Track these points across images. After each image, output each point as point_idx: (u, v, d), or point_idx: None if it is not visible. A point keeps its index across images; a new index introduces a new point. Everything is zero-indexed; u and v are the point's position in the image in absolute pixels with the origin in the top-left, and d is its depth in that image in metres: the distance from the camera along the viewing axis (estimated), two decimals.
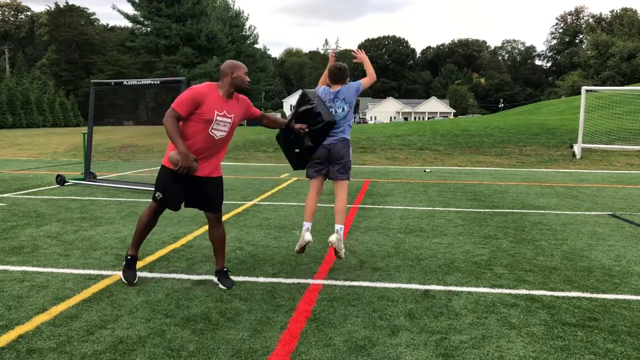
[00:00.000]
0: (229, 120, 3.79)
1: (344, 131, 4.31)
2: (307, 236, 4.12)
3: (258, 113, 4.11)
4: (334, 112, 4.23)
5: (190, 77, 45.87)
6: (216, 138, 3.76)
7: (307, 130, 4.14)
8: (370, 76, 4.41)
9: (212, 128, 3.70)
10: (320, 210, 7.14)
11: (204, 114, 3.64)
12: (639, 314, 3.44)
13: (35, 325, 3.13)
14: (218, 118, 3.70)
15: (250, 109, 4.02)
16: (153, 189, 3.92)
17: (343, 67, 4.33)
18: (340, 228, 4.14)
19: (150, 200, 3.97)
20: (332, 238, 4.07)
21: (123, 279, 3.92)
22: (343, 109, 4.27)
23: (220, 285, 3.90)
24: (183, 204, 3.94)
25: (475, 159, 16.62)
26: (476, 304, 3.60)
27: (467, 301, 3.65)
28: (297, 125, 4.18)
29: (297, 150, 4.24)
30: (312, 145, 4.18)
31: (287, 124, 4.23)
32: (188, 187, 3.82)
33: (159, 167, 3.90)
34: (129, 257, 3.98)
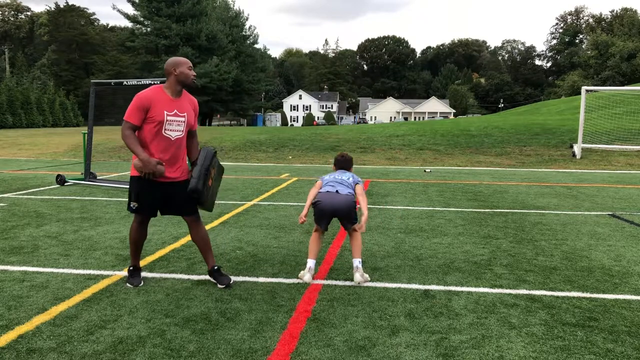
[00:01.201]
0: (182, 118, 3.78)
1: (351, 190, 4.19)
2: (307, 277, 4.02)
3: (194, 128, 3.95)
4: (339, 178, 4.21)
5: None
6: (172, 139, 3.76)
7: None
8: (363, 200, 4.29)
9: (165, 129, 3.71)
10: None
11: (154, 116, 3.66)
12: (639, 314, 3.44)
13: (35, 325, 3.13)
14: (169, 118, 3.70)
15: (195, 117, 3.92)
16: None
17: (348, 157, 4.50)
18: (359, 262, 4.06)
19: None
20: (357, 278, 3.99)
21: (128, 284, 3.92)
22: (349, 179, 4.23)
23: (218, 285, 3.89)
24: (159, 211, 3.93)
25: (475, 159, 16.62)
26: (476, 304, 3.60)
27: (467, 301, 3.65)
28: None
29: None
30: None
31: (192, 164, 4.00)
32: (160, 193, 3.81)
33: (130, 179, 3.90)
34: (131, 268, 3.99)
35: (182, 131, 3.81)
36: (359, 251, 4.11)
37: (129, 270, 4.00)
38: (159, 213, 3.97)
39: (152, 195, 3.81)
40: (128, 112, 3.65)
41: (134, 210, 3.86)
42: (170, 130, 3.74)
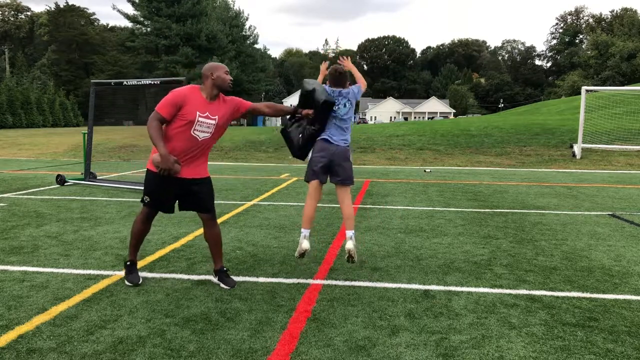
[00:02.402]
0: (213, 122, 3.79)
1: (346, 133, 4.28)
2: (305, 244, 4.10)
3: (248, 105, 4.07)
4: (337, 107, 4.22)
5: (190, 77, 45.86)
6: (199, 140, 3.77)
7: (312, 114, 4.14)
8: (363, 82, 4.47)
9: (195, 129, 3.72)
10: (320, 209, 7.14)
11: (186, 115, 3.67)
12: (639, 314, 3.44)
13: (35, 325, 3.13)
14: (200, 119, 3.72)
15: (241, 106, 4.00)
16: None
17: (344, 71, 4.34)
18: (353, 233, 4.12)
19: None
20: (350, 245, 4.04)
21: (127, 282, 3.92)
22: (345, 105, 4.26)
23: (222, 285, 3.90)
24: (177, 206, 3.96)
25: (475, 159, 16.62)
26: (476, 304, 3.60)
27: (467, 301, 3.65)
28: (305, 111, 4.19)
29: (300, 136, 4.24)
30: (317, 129, 4.18)
31: (293, 111, 4.28)
32: (176, 190, 3.84)
33: (146, 171, 3.91)
34: (128, 263, 3.99)
35: (211, 133, 3.82)
36: (351, 222, 4.16)
37: (126, 265, 3.99)
38: (176, 208, 4.00)
39: (166, 192, 3.83)
40: (161, 104, 3.67)
41: (146, 205, 3.88)
42: (199, 131, 3.75)
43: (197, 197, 3.89)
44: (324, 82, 4.52)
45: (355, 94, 4.34)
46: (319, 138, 4.24)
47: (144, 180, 3.92)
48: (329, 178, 4.29)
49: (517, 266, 4.55)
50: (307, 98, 4.15)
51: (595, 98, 21.45)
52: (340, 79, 4.30)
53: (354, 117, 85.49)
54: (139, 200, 3.97)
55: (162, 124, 3.68)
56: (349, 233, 4.13)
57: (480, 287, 3.96)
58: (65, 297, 3.62)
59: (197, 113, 3.71)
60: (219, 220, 6.34)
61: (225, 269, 3.99)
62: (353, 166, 4.39)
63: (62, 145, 21.43)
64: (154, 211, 3.94)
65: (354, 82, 4.52)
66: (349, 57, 4.59)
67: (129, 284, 3.89)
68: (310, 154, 4.35)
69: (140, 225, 3.95)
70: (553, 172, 14.07)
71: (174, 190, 3.83)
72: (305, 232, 4.17)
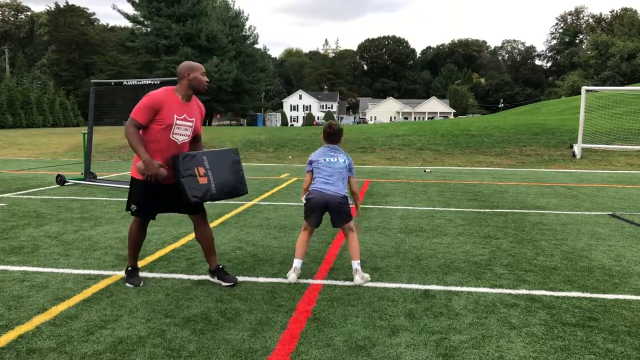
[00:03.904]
0: (190, 124, 3.75)
1: (342, 185, 4.11)
2: (292, 277, 4.00)
3: (199, 132, 3.91)
4: (337, 160, 4.13)
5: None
6: (179, 143, 3.72)
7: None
8: (356, 196, 4.36)
9: (173, 133, 3.66)
10: None
11: (163, 119, 3.60)
12: (639, 314, 3.44)
13: (35, 325, 3.13)
14: (178, 122, 3.66)
15: (199, 121, 3.87)
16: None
17: (337, 129, 4.25)
18: (358, 264, 4.02)
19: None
20: (357, 280, 3.97)
21: (128, 284, 3.90)
22: (344, 160, 4.15)
23: (224, 283, 3.89)
24: (166, 208, 3.90)
25: (475, 159, 16.62)
26: (476, 304, 3.60)
27: (467, 301, 3.65)
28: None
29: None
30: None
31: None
32: (162, 194, 3.79)
33: (130, 180, 3.85)
34: (129, 269, 3.97)
35: (189, 136, 3.78)
36: (356, 253, 4.06)
37: (127, 271, 3.98)
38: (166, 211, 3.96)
39: (153, 198, 3.79)
40: (136, 110, 3.58)
41: (134, 213, 3.84)
42: (178, 134, 3.70)
43: (183, 199, 3.80)
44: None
45: (351, 161, 4.23)
46: (312, 189, 4.11)
47: (130, 188, 3.86)
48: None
49: (517, 266, 4.55)
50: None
51: (595, 98, 21.45)
52: (334, 134, 4.21)
53: (355, 117, 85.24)
54: (125, 208, 3.92)
55: (139, 130, 3.61)
56: (354, 264, 4.02)
57: (480, 287, 3.96)
58: (65, 297, 3.62)
59: (175, 116, 3.64)
60: (219, 220, 6.36)
61: (221, 266, 3.99)
62: (353, 165, 4.35)
63: (62, 145, 21.43)
64: (146, 219, 3.91)
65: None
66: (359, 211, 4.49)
67: (130, 286, 3.88)
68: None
69: (136, 234, 3.91)
70: (553, 172, 14.07)
71: (161, 194, 3.78)
72: (297, 262, 4.07)
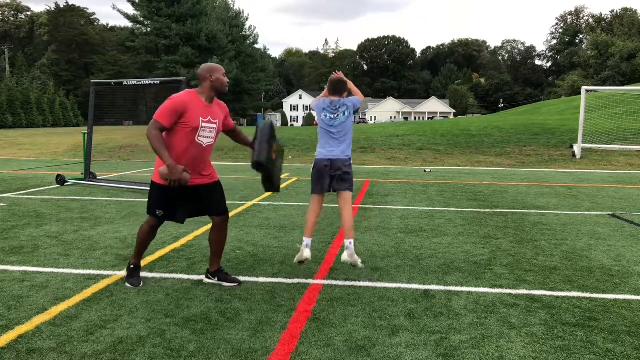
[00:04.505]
0: (215, 125, 3.72)
1: (342, 144, 4.18)
2: (307, 253, 4.07)
3: (232, 125, 3.98)
4: (337, 116, 4.18)
5: (190, 77, 45.83)
6: (204, 145, 3.68)
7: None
8: (360, 95, 4.47)
9: (199, 135, 3.62)
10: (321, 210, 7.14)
11: (188, 122, 3.54)
12: (639, 314, 3.44)
13: (35, 325, 3.13)
14: (203, 124, 3.61)
15: (228, 118, 3.92)
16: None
17: (343, 80, 4.33)
18: (351, 242, 4.07)
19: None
20: (345, 257, 4.04)
21: (128, 284, 3.88)
22: (344, 114, 4.20)
23: (226, 284, 3.88)
24: (188, 213, 3.89)
25: (475, 159, 16.62)
26: (476, 304, 3.60)
27: (467, 301, 3.65)
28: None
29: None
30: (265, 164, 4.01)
31: (252, 144, 4.01)
32: (187, 198, 3.74)
33: (151, 183, 3.79)
34: (132, 266, 3.93)
35: (213, 138, 3.74)
36: (350, 231, 4.08)
37: (129, 268, 3.94)
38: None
39: (177, 203, 3.73)
40: (160, 112, 3.50)
41: (160, 218, 3.77)
42: (203, 137, 3.64)
43: (211, 201, 3.82)
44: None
45: (354, 102, 4.31)
46: (316, 157, 4.22)
47: (150, 192, 3.79)
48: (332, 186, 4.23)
49: (517, 266, 4.55)
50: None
51: (595, 98, 21.45)
52: (338, 87, 4.28)
53: (355, 118, 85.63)
54: (147, 212, 3.83)
55: (162, 133, 3.53)
56: (346, 242, 4.07)
57: (480, 287, 3.96)
58: (65, 297, 3.62)
59: (200, 119, 3.59)
60: None
61: (222, 268, 3.99)
62: (353, 166, 4.37)
63: (62, 145, 21.43)
64: (162, 222, 3.85)
65: (350, 95, 4.50)
66: (340, 72, 4.53)
67: (129, 286, 3.87)
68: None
69: (147, 236, 3.87)
70: (553, 172, 14.07)
71: (186, 198, 3.73)
72: (306, 240, 4.13)
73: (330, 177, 4.15)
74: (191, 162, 3.65)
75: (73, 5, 68.96)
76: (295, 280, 4.07)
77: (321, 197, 4.25)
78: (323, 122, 4.23)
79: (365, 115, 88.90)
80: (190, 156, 3.64)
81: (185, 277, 4.14)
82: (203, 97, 3.67)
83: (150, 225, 3.84)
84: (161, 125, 3.50)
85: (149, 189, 3.84)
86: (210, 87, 3.68)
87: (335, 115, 4.19)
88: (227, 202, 4.05)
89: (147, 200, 3.83)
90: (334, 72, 4.50)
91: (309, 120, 72.25)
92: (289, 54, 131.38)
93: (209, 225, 6.01)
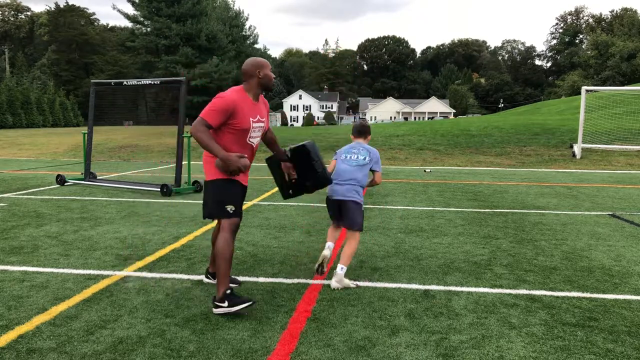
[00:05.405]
0: (262, 124, 3.52)
1: (357, 174, 4.15)
2: (326, 252, 4.06)
3: (268, 126, 3.76)
4: (354, 157, 4.23)
5: (190, 77, 45.86)
6: (254, 146, 3.52)
7: (292, 179, 3.93)
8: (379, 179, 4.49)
9: (250, 137, 3.43)
10: (322, 210, 7.14)
11: (239, 124, 3.33)
12: (639, 314, 3.44)
13: (35, 325, 3.13)
14: (253, 125, 3.42)
15: (267, 123, 3.68)
16: (206, 205, 3.53)
17: (367, 125, 4.53)
18: (341, 268, 3.90)
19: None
20: (333, 284, 3.88)
21: (238, 309, 3.28)
22: (365, 158, 4.22)
23: (232, 285, 3.82)
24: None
25: (475, 159, 16.62)
26: (476, 304, 3.60)
27: (467, 301, 3.65)
28: (288, 166, 3.87)
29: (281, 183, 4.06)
30: (294, 189, 4.05)
31: (279, 155, 3.89)
32: (242, 193, 3.52)
33: (207, 183, 3.44)
34: (228, 292, 3.32)
35: (260, 137, 3.59)
36: (347, 259, 3.96)
37: (227, 296, 3.30)
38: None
39: (240, 196, 3.48)
40: (207, 111, 3.26)
41: (232, 215, 3.39)
42: (253, 137, 3.47)
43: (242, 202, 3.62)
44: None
45: (376, 156, 4.30)
46: (328, 190, 4.24)
47: (214, 192, 3.40)
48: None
49: (517, 266, 4.55)
50: (303, 160, 3.91)
51: (595, 98, 21.45)
52: (363, 130, 4.45)
53: (355, 117, 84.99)
54: (213, 216, 3.51)
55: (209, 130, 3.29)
56: (339, 266, 3.93)
57: (480, 287, 3.96)
58: (65, 297, 3.62)
59: (250, 120, 3.38)
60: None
61: None
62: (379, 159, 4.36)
63: (62, 145, 21.43)
64: (239, 222, 3.49)
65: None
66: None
67: (245, 307, 3.29)
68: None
69: (230, 246, 3.37)
70: (553, 172, 14.07)
71: (242, 193, 3.52)
72: (329, 243, 4.15)
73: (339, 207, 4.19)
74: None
75: (73, 5, 68.98)
76: (295, 280, 4.07)
77: (335, 228, 4.31)
78: (340, 160, 4.27)
79: (365, 115, 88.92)
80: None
81: (185, 277, 4.14)
82: (250, 94, 3.45)
83: (228, 231, 3.39)
84: (208, 124, 3.25)
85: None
86: (258, 84, 3.45)
87: (355, 156, 4.24)
88: None
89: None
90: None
91: (309, 120, 72.25)
92: (289, 54, 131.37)
93: (209, 226, 6.04)
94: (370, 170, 4.26)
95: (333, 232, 4.27)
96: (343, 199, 4.07)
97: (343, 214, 4.12)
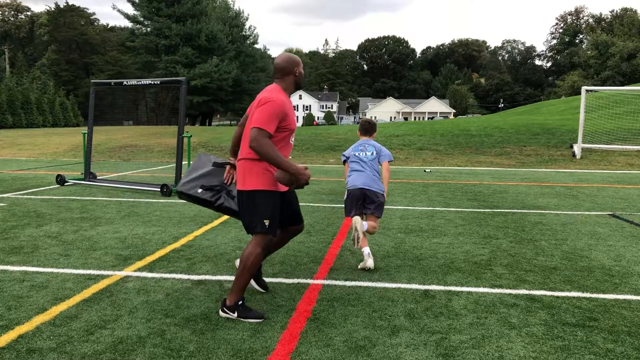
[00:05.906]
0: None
1: (373, 176, 4.49)
2: (370, 263, 4.35)
3: None
4: (363, 154, 4.56)
5: (190, 77, 45.85)
6: (292, 146, 3.41)
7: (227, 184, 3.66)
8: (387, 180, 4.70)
9: (292, 137, 3.34)
10: (322, 210, 7.14)
11: (288, 125, 3.21)
12: (639, 314, 3.44)
13: (35, 325, 3.13)
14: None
15: None
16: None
17: (373, 122, 4.81)
18: (368, 250, 4.42)
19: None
20: (370, 262, 4.34)
21: (251, 320, 3.23)
22: (372, 153, 4.56)
23: (263, 290, 3.78)
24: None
25: (475, 159, 16.62)
26: (476, 304, 3.60)
27: (467, 301, 3.65)
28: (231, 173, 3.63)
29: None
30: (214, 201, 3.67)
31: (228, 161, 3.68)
32: (281, 205, 3.38)
33: (249, 194, 3.21)
34: (240, 302, 3.26)
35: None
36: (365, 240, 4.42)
37: (239, 307, 3.25)
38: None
39: (279, 210, 3.32)
40: (264, 120, 3.06)
41: (266, 230, 3.22)
42: (294, 137, 3.36)
43: (292, 206, 3.54)
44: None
45: (381, 147, 4.63)
46: (348, 186, 4.51)
47: (255, 203, 3.21)
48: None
49: (517, 266, 4.55)
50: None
51: (595, 98, 21.46)
52: (369, 128, 4.71)
53: (355, 117, 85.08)
54: (250, 230, 3.30)
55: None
56: (365, 250, 4.39)
57: (480, 287, 3.96)
58: (65, 297, 3.62)
59: (295, 119, 3.33)
60: (219, 221, 6.36)
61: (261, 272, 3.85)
62: (385, 151, 4.65)
63: (62, 145, 21.42)
64: (271, 238, 3.34)
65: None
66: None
67: (258, 319, 3.24)
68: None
69: (259, 259, 3.26)
70: (553, 172, 14.07)
71: (281, 204, 3.39)
72: (365, 250, 4.39)
73: (363, 202, 4.48)
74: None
75: (73, 5, 68.92)
76: (295, 280, 4.07)
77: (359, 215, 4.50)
78: (353, 157, 4.62)
79: (365, 115, 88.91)
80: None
81: (185, 277, 4.14)
82: (287, 93, 3.32)
83: (262, 246, 3.25)
84: (269, 134, 3.07)
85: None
86: (294, 82, 3.33)
87: (364, 153, 4.57)
88: None
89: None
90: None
91: (309, 120, 72.24)
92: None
93: (209, 226, 6.04)
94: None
95: (360, 219, 4.34)
96: (370, 188, 4.40)
97: (368, 202, 4.42)
